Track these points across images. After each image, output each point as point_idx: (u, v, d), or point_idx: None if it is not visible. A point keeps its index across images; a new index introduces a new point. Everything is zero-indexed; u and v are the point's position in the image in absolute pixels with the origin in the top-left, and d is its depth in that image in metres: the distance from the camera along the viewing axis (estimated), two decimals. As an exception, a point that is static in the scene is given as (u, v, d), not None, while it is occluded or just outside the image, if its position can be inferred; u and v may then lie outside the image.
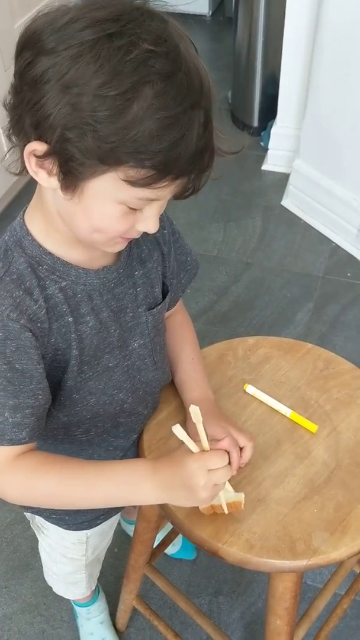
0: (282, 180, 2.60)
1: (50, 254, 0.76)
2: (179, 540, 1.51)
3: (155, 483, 0.77)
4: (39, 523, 1.08)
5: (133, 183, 0.64)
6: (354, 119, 2.07)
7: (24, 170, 0.70)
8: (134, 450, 0.98)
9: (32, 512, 1.06)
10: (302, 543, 0.83)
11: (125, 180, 0.64)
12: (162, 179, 0.64)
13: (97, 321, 0.81)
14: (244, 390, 1.00)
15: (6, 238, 0.77)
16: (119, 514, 1.12)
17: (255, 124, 2.84)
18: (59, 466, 0.80)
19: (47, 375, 0.78)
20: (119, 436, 0.95)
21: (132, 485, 0.78)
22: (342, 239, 2.31)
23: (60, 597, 1.46)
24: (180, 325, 1.02)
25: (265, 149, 2.72)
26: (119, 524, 1.53)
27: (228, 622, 1.43)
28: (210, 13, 3.83)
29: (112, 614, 1.42)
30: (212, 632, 1.18)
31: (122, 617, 1.39)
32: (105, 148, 0.61)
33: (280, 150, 2.61)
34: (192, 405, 0.73)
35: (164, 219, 0.87)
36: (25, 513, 1.12)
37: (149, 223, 0.71)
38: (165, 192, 0.67)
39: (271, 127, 2.67)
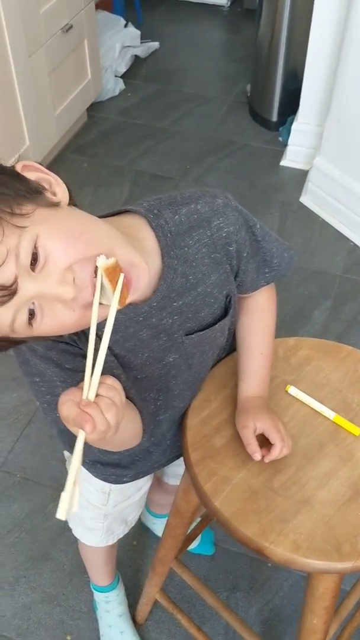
0: (300, 176, 2.59)
1: None
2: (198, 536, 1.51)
3: None
4: None
5: None
6: (379, 118, 2.07)
7: None
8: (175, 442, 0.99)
9: (70, 453, 1.07)
10: (347, 545, 0.83)
11: None
12: None
13: (122, 350, 0.82)
14: (286, 391, 1.00)
15: None
16: (148, 480, 1.13)
17: (274, 118, 2.83)
18: None
19: None
20: (160, 426, 0.96)
21: None
22: (360, 238, 2.31)
23: (81, 588, 1.48)
24: (259, 310, 0.97)
25: (284, 145, 2.71)
26: (140, 517, 1.54)
27: (245, 618, 1.44)
28: (229, 4, 3.80)
29: (132, 607, 1.43)
30: (238, 627, 1.19)
31: (143, 610, 1.39)
32: None
33: (300, 147, 2.61)
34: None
35: (232, 233, 0.83)
36: (64, 452, 1.15)
37: (62, 297, 0.65)
38: None
39: (291, 122, 2.66)
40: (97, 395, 0.64)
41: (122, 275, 0.66)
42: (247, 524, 0.85)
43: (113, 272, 0.65)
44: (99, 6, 2.99)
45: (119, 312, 0.70)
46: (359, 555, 0.82)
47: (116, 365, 0.83)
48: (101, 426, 0.62)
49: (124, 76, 3.13)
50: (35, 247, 0.63)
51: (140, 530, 1.56)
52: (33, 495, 1.65)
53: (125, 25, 3.23)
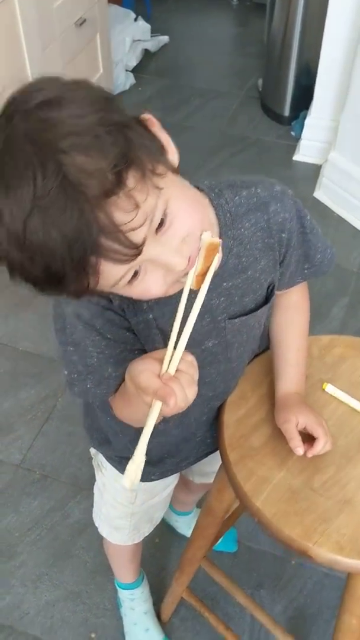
0: (314, 171, 2.58)
1: None
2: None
3: (129, 382, 0.72)
4: (99, 461, 1.11)
5: (75, 296, 0.63)
6: None
7: None
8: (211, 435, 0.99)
9: (97, 450, 1.08)
10: (391, 546, 0.82)
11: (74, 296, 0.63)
12: (84, 281, 0.60)
13: (168, 326, 0.80)
14: (323, 390, 0.99)
15: None
16: (175, 478, 1.12)
17: (287, 113, 2.81)
18: (119, 396, 0.81)
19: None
20: (187, 416, 0.94)
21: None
22: (376, 234, 2.29)
23: (104, 585, 1.47)
24: (293, 307, 0.98)
25: (297, 139, 2.70)
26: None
27: (271, 616, 1.44)
28: (238, -2, 3.78)
29: (155, 604, 1.43)
30: (268, 624, 1.19)
31: (168, 608, 1.39)
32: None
33: (313, 141, 2.59)
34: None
35: (286, 220, 0.82)
36: (90, 450, 1.15)
37: (171, 267, 0.65)
38: (112, 271, 0.61)
39: (304, 117, 2.64)
40: (177, 370, 0.64)
41: (218, 255, 0.66)
42: (290, 524, 0.84)
43: (211, 251, 0.66)
44: (109, 0, 2.98)
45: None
46: None
47: (159, 340, 0.81)
48: (182, 402, 0.63)
49: (134, 70, 3.12)
50: (165, 212, 0.62)
51: (162, 528, 1.55)
52: (53, 493, 1.65)
53: (135, 19, 3.20)
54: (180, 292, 0.70)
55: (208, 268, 0.67)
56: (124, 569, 1.36)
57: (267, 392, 0.99)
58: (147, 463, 1.02)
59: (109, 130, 0.57)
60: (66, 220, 0.56)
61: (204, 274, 0.67)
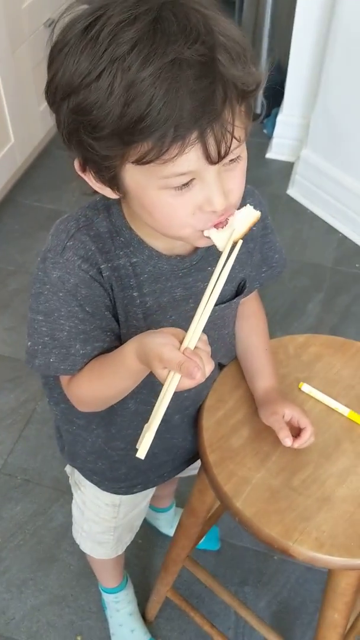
0: (286, 168, 2.60)
1: (130, 229, 0.78)
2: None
3: (135, 355, 0.75)
4: (77, 479, 1.11)
5: (144, 162, 0.62)
6: (367, 110, 2.08)
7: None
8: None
9: (74, 467, 1.09)
10: (370, 541, 0.84)
11: (136, 162, 0.63)
12: (168, 146, 0.60)
13: (156, 303, 0.83)
14: (299, 389, 1.01)
15: (97, 198, 0.79)
16: (154, 488, 1.13)
17: (258, 110, 2.82)
18: (87, 372, 0.83)
19: None
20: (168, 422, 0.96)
21: (133, 377, 0.79)
22: (349, 230, 2.32)
23: (88, 588, 1.48)
24: (253, 314, 1.02)
25: (269, 137, 2.71)
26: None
27: (255, 612, 1.45)
28: (207, -5, 3.78)
29: (140, 604, 1.44)
30: (252, 620, 1.20)
31: (153, 607, 1.40)
32: (102, 138, 0.62)
33: (285, 139, 2.61)
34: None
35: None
36: (65, 469, 1.16)
37: (212, 202, 0.67)
38: (188, 160, 0.62)
39: (276, 114, 2.66)
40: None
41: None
42: (270, 524, 0.86)
43: (252, 223, 0.71)
44: None
45: (165, 261, 0.79)
46: (381, 551, 0.83)
47: (138, 317, 0.83)
48: (202, 377, 0.66)
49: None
50: (238, 157, 0.67)
51: (145, 528, 1.55)
52: (35, 497, 1.64)
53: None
54: (172, 268, 0.76)
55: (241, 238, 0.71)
56: (108, 576, 1.36)
57: (245, 394, 1.00)
58: (131, 477, 1.04)
59: (252, 55, 0.64)
60: (203, 85, 0.59)
61: (234, 242, 0.71)
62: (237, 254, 0.78)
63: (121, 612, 1.40)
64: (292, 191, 2.50)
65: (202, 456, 0.94)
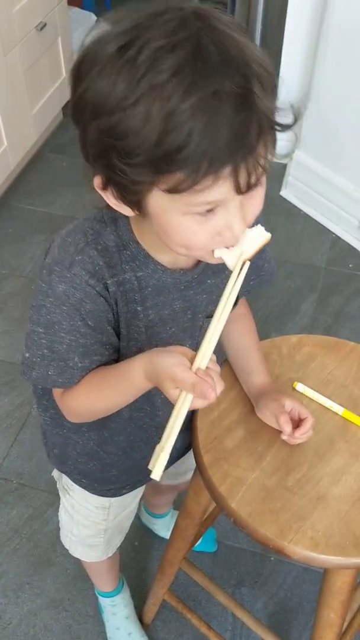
0: (279, 170, 2.60)
1: (137, 242, 0.78)
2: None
3: (143, 373, 0.76)
4: (65, 484, 1.11)
5: (175, 191, 0.62)
6: (358, 110, 2.09)
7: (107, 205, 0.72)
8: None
9: (63, 471, 1.09)
10: (365, 540, 0.84)
11: (167, 191, 0.62)
12: (202, 178, 0.60)
13: (157, 316, 0.83)
14: (293, 388, 1.01)
15: (104, 210, 0.78)
16: (143, 487, 1.13)
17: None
18: (86, 385, 0.83)
19: None
20: (155, 417, 0.96)
21: (135, 391, 0.80)
22: (342, 230, 2.33)
23: (85, 592, 1.48)
24: (242, 316, 1.03)
25: (262, 139, 2.72)
26: (138, 518, 1.54)
27: (252, 613, 1.45)
28: (198, -2, 3.79)
29: (137, 607, 1.43)
30: (249, 622, 1.20)
31: (150, 610, 1.40)
32: (134, 164, 0.61)
33: (278, 140, 2.58)
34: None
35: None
36: (53, 474, 1.16)
37: (232, 228, 0.68)
38: (218, 191, 0.63)
39: (268, 116, 2.66)
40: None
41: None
42: (266, 524, 0.86)
43: (262, 244, 0.72)
44: (69, 3, 2.96)
45: (169, 275, 0.80)
46: (376, 549, 0.83)
47: (140, 331, 0.83)
48: (214, 397, 0.68)
49: (97, 73, 3.11)
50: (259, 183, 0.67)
51: (141, 531, 1.56)
52: (31, 501, 1.64)
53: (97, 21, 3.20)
54: (174, 282, 0.79)
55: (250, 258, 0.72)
56: (103, 580, 1.36)
57: (238, 395, 1.00)
58: (118, 481, 1.04)
59: (275, 85, 0.65)
60: (241, 119, 0.59)
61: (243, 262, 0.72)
62: (216, 287, 0.80)
63: (118, 615, 1.40)
64: (285, 192, 2.50)
65: (197, 457, 0.94)
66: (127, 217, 0.76)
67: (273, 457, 0.93)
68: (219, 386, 0.69)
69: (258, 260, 0.94)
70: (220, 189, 0.63)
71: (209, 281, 0.85)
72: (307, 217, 2.42)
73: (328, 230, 2.36)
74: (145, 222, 0.73)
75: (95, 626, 1.44)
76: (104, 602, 1.40)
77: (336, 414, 0.98)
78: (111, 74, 0.60)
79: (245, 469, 0.91)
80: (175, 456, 1.07)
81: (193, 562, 1.50)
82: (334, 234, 2.35)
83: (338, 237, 2.33)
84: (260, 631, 1.25)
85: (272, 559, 1.53)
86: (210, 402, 0.68)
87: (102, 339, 0.81)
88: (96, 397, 0.83)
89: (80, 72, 0.64)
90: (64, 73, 2.71)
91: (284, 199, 2.49)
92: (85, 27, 3.10)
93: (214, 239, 0.69)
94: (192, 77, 0.58)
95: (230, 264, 0.72)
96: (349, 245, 2.31)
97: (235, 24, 0.63)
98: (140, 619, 1.42)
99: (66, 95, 2.78)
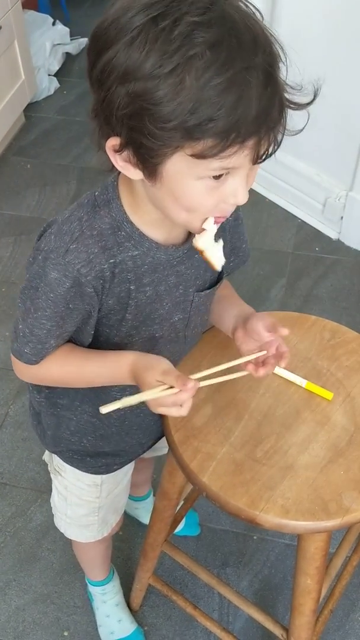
0: (242, 160, 2.63)
1: (131, 222, 0.81)
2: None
3: (130, 379, 0.86)
4: (57, 465, 1.13)
5: (201, 156, 0.66)
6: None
7: (113, 167, 0.74)
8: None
9: (55, 452, 1.11)
10: (334, 504, 0.87)
11: (193, 155, 0.66)
12: (228, 146, 0.65)
13: (154, 292, 0.87)
14: (258, 364, 1.03)
15: (97, 194, 0.82)
16: (133, 462, 1.16)
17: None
18: (61, 359, 0.90)
19: (97, 330, 0.88)
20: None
21: (113, 377, 0.89)
22: (307, 215, 2.36)
23: (72, 584, 1.49)
24: (225, 297, 1.04)
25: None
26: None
27: (238, 591, 1.48)
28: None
29: (124, 595, 1.45)
30: (235, 599, 1.23)
31: (137, 596, 1.42)
32: (166, 128, 0.64)
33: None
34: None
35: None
36: (44, 457, 1.18)
37: (237, 194, 0.72)
38: (239, 158, 0.67)
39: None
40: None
41: None
42: (236, 495, 0.88)
43: None
44: (24, 6, 2.95)
45: (163, 251, 0.84)
46: (345, 512, 0.86)
47: (131, 310, 0.87)
48: (185, 411, 0.81)
49: (57, 74, 3.11)
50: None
51: (125, 520, 1.57)
52: (13, 499, 1.65)
53: (53, 24, 3.19)
54: (168, 258, 0.84)
55: None
56: (97, 569, 1.38)
57: (206, 374, 1.02)
58: (108, 454, 1.06)
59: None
60: (268, 95, 0.65)
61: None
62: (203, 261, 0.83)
63: (108, 603, 1.41)
64: (249, 181, 2.53)
65: (168, 436, 0.97)
66: (119, 198, 0.80)
67: (241, 431, 0.95)
68: (186, 407, 0.80)
69: (237, 241, 0.97)
70: (239, 158, 0.68)
71: (196, 256, 0.87)
72: (272, 204, 2.44)
73: (293, 215, 2.39)
74: (141, 195, 0.77)
75: (84, 616, 1.45)
76: (94, 590, 1.42)
77: (300, 386, 1.00)
78: (146, 41, 0.63)
79: (214, 444, 0.94)
80: (158, 437, 1.11)
81: (176, 546, 1.52)
82: (299, 219, 2.38)
83: (303, 222, 2.37)
84: (247, 608, 1.27)
85: (254, 538, 1.56)
86: (180, 413, 0.81)
87: (77, 322, 0.86)
88: (71, 371, 0.90)
89: (107, 39, 0.67)
90: (23, 75, 2.71)
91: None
92: (42, 29, 3.10)
93: (218, 206, 0.73)
94: (227, 52, 0.63)
95: (208, 236, 0.77)
96: (314, 229, 2.34)
97: (251, 5, 0.68)
98: (129, 605, 1.44)
99: (26, 97, 2.78)
